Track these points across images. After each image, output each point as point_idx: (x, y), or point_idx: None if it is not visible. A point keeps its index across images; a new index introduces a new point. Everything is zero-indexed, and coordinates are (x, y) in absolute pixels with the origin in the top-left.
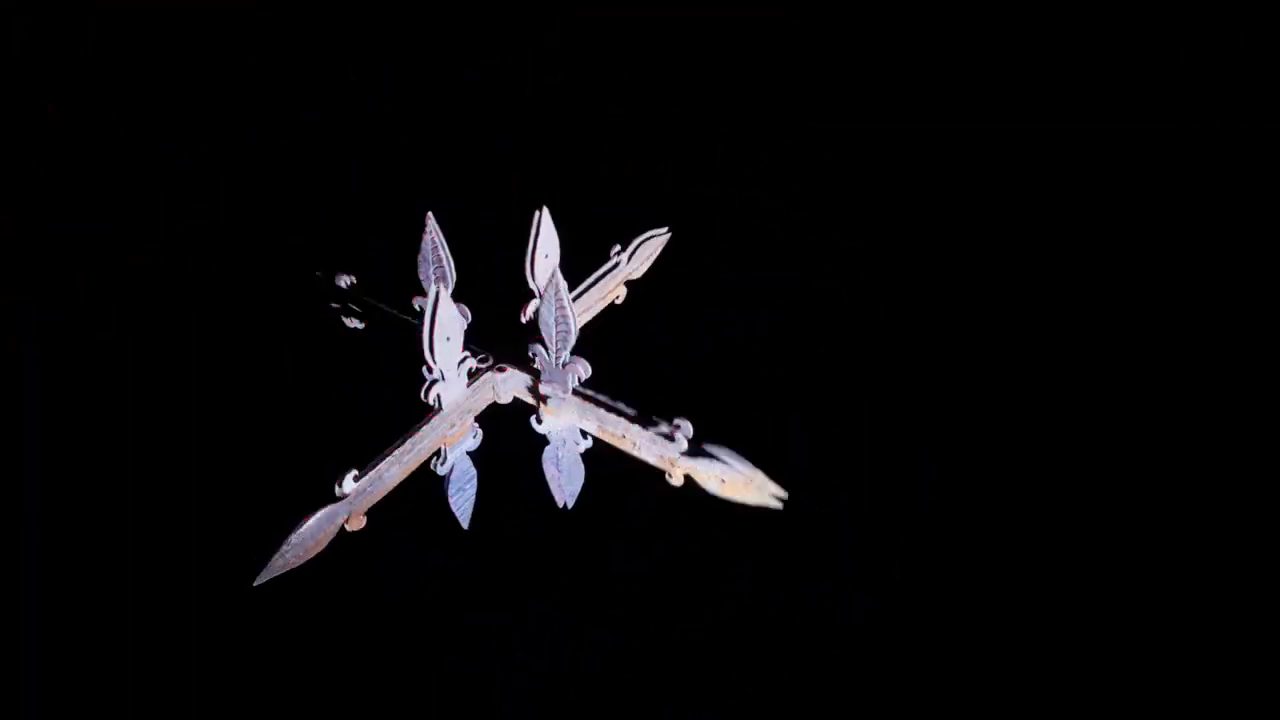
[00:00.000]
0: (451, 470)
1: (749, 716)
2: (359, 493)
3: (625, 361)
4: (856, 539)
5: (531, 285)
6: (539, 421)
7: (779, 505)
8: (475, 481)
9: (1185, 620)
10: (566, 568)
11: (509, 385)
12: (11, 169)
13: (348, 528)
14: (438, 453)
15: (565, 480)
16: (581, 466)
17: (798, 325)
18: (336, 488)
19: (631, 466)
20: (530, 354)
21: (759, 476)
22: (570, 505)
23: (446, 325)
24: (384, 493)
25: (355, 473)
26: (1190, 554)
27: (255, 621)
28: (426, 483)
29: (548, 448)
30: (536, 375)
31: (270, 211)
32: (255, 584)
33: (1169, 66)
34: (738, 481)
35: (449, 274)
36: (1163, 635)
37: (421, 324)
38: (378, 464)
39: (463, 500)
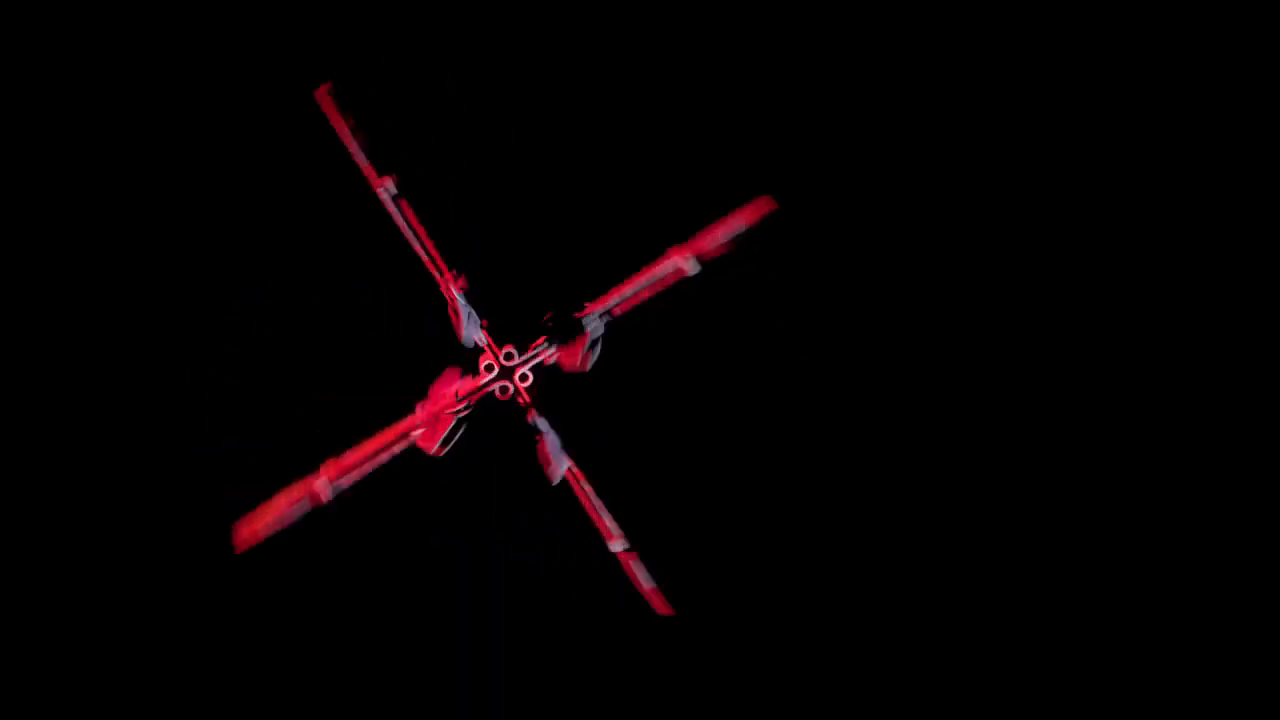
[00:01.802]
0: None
1: (749, 716)
2: None
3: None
4: (854, 538)
5: None
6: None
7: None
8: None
9: (1184, 619)
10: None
11: None
12: (11, 168)
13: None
14: None
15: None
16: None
17: (792, 326)
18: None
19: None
20: None
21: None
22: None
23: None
24: None
25: None
26: (1189, 553)
27: (250, 614)
28: (425, 479)
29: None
30: None
31: (273, 213)
32: None
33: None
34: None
35: None
36: (1161, 634)
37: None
38: None
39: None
